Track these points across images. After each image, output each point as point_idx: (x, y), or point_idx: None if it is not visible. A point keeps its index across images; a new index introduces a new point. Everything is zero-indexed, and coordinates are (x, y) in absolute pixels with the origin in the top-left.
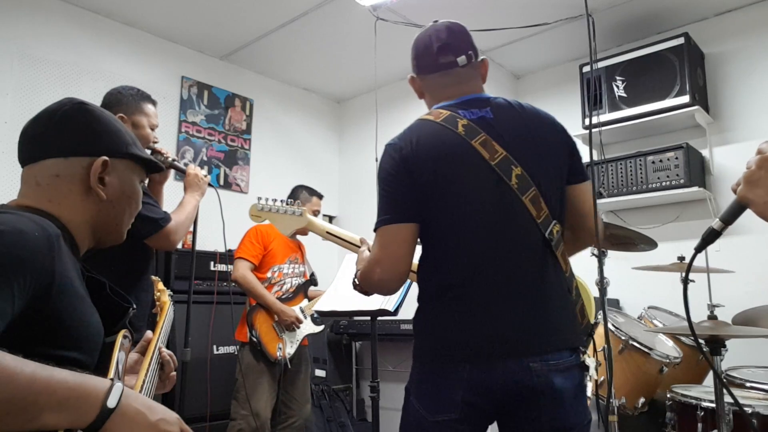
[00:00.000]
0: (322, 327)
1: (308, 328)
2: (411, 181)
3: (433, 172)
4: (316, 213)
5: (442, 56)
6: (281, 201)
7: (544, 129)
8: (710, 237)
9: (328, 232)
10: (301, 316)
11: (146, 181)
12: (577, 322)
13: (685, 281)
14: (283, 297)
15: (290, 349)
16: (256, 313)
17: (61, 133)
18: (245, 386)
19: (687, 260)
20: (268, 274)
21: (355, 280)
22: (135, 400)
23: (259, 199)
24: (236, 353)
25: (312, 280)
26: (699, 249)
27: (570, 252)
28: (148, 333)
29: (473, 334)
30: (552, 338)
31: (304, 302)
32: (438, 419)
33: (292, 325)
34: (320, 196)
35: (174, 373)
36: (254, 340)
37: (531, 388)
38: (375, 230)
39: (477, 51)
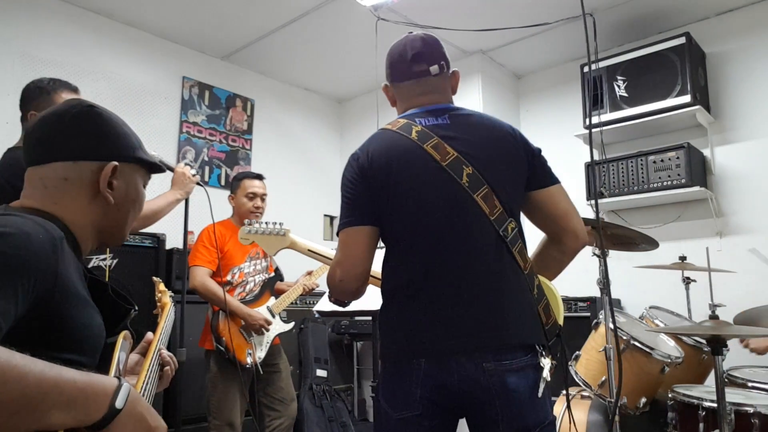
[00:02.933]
0: (292, 324)
1: (278, 327)
2: (366, 187)
3: (385, 176)
4: (251, 196)
5: (416, 65)
6: (266, 223)
7: (498, 136)
8: None
9: (309, 250)
10: (269, 317)
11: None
12: (536, 321)
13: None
14: (248, 298)
15: (261, 353)
16: (220, 320)
17: (71, 137)
18: (214, 396)
19: (688, 260)
20: (228, 277)
21: (329, 295)
22: (139, 403)
23: (246, 222)
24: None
25: (277, 275)
26: None
27: (562, 262)
28: (149, 334)
29: (427, 331)
30: (505, 335)
31: (271, 300)
32: (402, 416)
33: (260, 330)
34: (254, 176)
35: (169, 370)
36: (221, 349)
37: (485, 389)
38: (337, 234)
39: (449, 62)
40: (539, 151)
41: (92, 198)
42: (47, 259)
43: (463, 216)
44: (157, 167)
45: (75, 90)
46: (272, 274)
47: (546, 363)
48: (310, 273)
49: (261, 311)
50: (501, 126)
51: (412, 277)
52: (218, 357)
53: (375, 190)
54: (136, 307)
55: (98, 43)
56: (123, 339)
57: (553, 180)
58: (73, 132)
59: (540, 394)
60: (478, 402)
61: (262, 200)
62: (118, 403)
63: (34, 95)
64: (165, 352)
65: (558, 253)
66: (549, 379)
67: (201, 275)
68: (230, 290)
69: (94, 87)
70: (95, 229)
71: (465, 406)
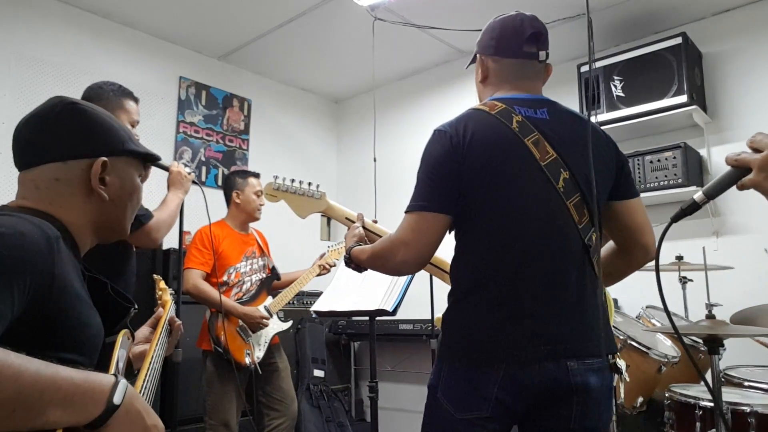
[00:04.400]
0: (290, 324)
1: (276, 326)
2: (457, 172)
3: (481, 164)
4: (259, 194)
5: (529, 45)
6: (300, 182)
7: (596, 141)
8: (689, 209)
9: (347, 218)
10: (266, 314)
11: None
12: (611, 330)
13: (657, 255)
14: (244, 298)
15: (259, 353)
16: (217, 322)
17: (57, 137)
18: (211, 396)
19: (685, 259)
20: (225, 278)
21: (348, 256)
22: (136, 400)
23: (276, 177)
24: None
25: (274, 275)
26: (675, 219)
27: (624, 273)
28: (160, 310)
29: (512, 335)
30: (588, 344)
31: (269, 300)
32: (466, 417)
33: (259, 326)
34: (256, 175)
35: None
36: (219, 350)
37: (567, 386)
38: (408, 211)
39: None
40: (627, 161)
41: (87, 196)
42: (43, 258)
43: (557, 222)
44: (151, 157)
45: (137, 100)
46: (268, 275)
47: (622, 363)
48: (322, 256)
49: (260, 310)
50: (600, 131)
51: (498, 278)
52: (215, 357)
53: (468, 176)
54: (136, 306)
55: (95, 44)
56: (122, 338)
57: (635, 192)
58: (58, 132)
59: (622, 394)
60: (553, 399)
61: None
62: (116, 400)
63: (105, 95)
64: (173, 316)
65: (624, 264)
66: (628, 379)
67: (194, 278)
68: (227, 291)
69: None
70: (94, 226)
71: (535, 406)
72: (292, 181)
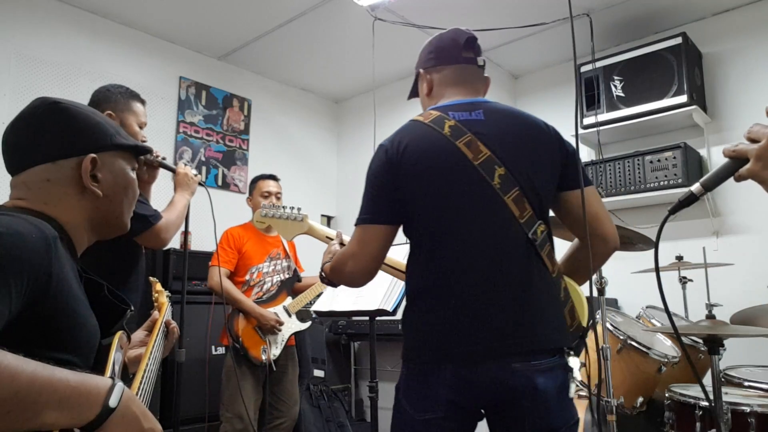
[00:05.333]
0: (309, 324)
1: (293, 326)
2: (394, 183)
3: (415, 172)
4: (266, 195)
5: (466, 51)
6: (283, 207)
7: (534, 134)
8: (687, 201)
9: (327, 237)
10: (282, 317)
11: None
12: (563, 324)
13: (657, 244)
14: (264, 298)
15: (276, 350)
16: (237, 318)
17: (42, 139)
18: (228, 390)
19: (685, 259)
20: (247, 277)
21: (322, 272)
22: (133, 403)
23: (263, 206)
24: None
25: (295, 276)
26: (673, 211)
27: (594, 266)
28: (155, 314)
29: (455, 335)
30: (534, 340)
31: (288, 300)
32: (425, 417)
33: (272, 330)
34: (268, 177)
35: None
36: (237, 346)
37: (513, 388)
38: (355, 225)
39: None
40: (574, 150)
41: (80, 194)
42: (41, 258)
43: (493, 218)
44: (141, 149)
45: (144, 102)
46: (289, 276)
47: (575, 363)
48: None
49: (277, 310)
50: (536, 123)
51: (439, 279)
52: (235, 352)
53: (403, 186)
54: (132, 308)
55: (95, 44)
56: (119, 339)
57: (586, 181)
58: (43, 133)
59: (570, 395)
60: (504, 402)
61: (277, 198)
62: (112, 402)
63: (113, 98)
64: (170, 319)
65: (586, 256)
66: (579, 378)
67: (217, 275)
68: (248, 290)
69: (90, 87)
70: (90, 224)
71: (490, 407)
72: (277, 207)
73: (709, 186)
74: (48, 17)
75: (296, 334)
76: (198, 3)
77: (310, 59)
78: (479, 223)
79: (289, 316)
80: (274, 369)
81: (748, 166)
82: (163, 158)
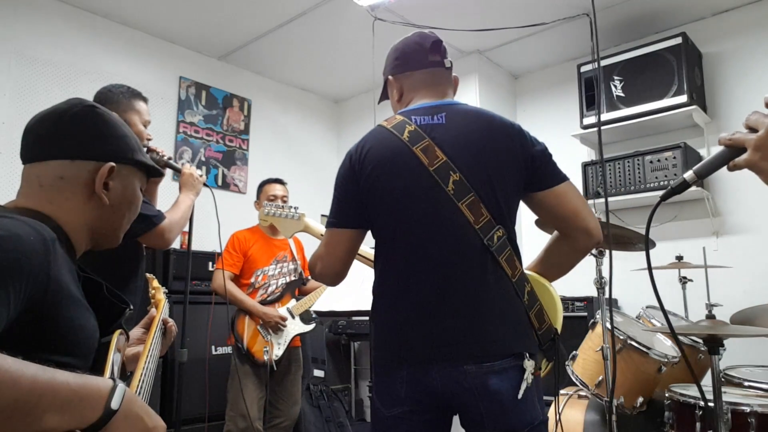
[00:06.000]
0: (312, 326)
1: (297, 328)
2: (355, 187)
3: (373, 178)
4: (272, 198)
5: (432, 54)
6: (284, 207)
7: (496, 137)
8: (679, 187)
9: (322, 234)
10: (286, 316)
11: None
12: (523, 328)
13: (647, 236)
14: (268, 299)
15: (278, 351)
16: (240, 319)
17: (70, 135)
18: (232, 389)
19: (685, 259)
20: (252, 279)
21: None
22: (135, 403)
23: (265, 205)
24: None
25: (300, 279)
26: (665, 198)
27: (572, 259)
28: (153, 311)
29: (409, 339)
30: (488, 346)
31: (292, 302)
32: (392, 413)
33: (277, 326)
34: (274, 181)
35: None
36: (239, 346)
37: (467, 390)
38: (326, 228)
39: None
40: (543, 150)
41: (87, 198)
42: (39, 261)
43: (446, 225)
44: (155, 171)
45: (146, 100)
46: (294, 279)
47: (528, 365)
48: None
49: (280, 311)
50: (500, 125)
51: (395, 283)
52: (238, 352)
53: (363, 192)
54: (131, 306)
55: (94, 43)
56: (117, 338)
57: (559, 179)
58: (72, 131)
59: (520, 396)
60: (462, 403)
61: (284, 201)
62: (114, 404)
63: (115, 98)
64: (167, 317)
65: (570, 249)
66: (530, 381)
67: (221, 278)
68: (253, 292)
69: (90, 87)
70: (90, 229)
71: (452, 407)
72: (278, 206)
73: (703, 174)
74: (48, 17)
75: (299, 335)
76: (198, 3)
77: (310, 59)
78: (432, 229)
79: (293, 317)
80: (275, 369)
81: (745, 156)
82: (169, 158)
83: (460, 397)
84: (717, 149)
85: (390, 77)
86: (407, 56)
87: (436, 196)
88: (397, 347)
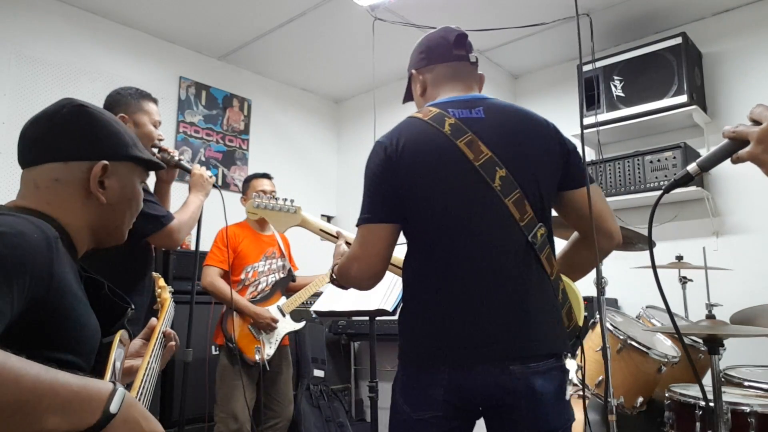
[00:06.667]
0: (302, 324)
1: (288, 326)
2: (394, 182)
3: (414, 172)
4: (262, 193)
5: (457, 48)
6: (276, 198)
7: (536, 133)
8: (682, 179)
9: (321, 230)
10: (277, 315)
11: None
12: (561, 328)
13: (649, 229)
14: (258, 297)
15: (269, 350)
16: (230, 317)
17: (61, 137)
18: (222, 389)
19: (685, 259)
20: (242, 276)
21: (333, 273)
22: (134, 408)
23: (255, 196)
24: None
25: (289, 276)
26: (667, 189)
27: (592, 262)
28: (153, 320)
29: (452, 338)
30: (533, 346)
31: (282, 300)
32: (422, 417)
33: (268, 327)
34: (262, 176)
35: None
36: (230, 345)
37: (511, 391)
38: (357, 226)
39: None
40: (574, 148)
41: (85, 198)
42: (42, 258)
43: (493, 221)
44: (153, 164)
45: (155, 101)
46: (283, 276)
47: (572, 365)
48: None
49: (271, 310)
50: (538, 121)
51: (436, 281)
52: (228, 352)
53: (402, 185)
54: (133, 306)
55: (95, 44)
56: (119, 338)
57: (590, 179)
58: (63, 132)
59: (568, 397)
60: (502, 404)
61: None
62: (113, 408)
63: (125, 100)
64: (169, 330)
65: (590, 252)
66: (575, 381)
67: (211, 275)
68: (243, 289)
69: (90, 87)
70: (91, 229)
71: (488, 408)
72: (270, 198)
73: (706, 166)
74: (48, 17)
75: (293, 333)
76: (198, 3)
77: (310, 59)
78: (478, 226)
79: (283, 315)
80: (268, 369)
81: (748, 148)
82: (180, 159)
83: (501, 399)
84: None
85: (414, 71)
86: (431, 50)
87: (483, 192)
88: (439, 347)
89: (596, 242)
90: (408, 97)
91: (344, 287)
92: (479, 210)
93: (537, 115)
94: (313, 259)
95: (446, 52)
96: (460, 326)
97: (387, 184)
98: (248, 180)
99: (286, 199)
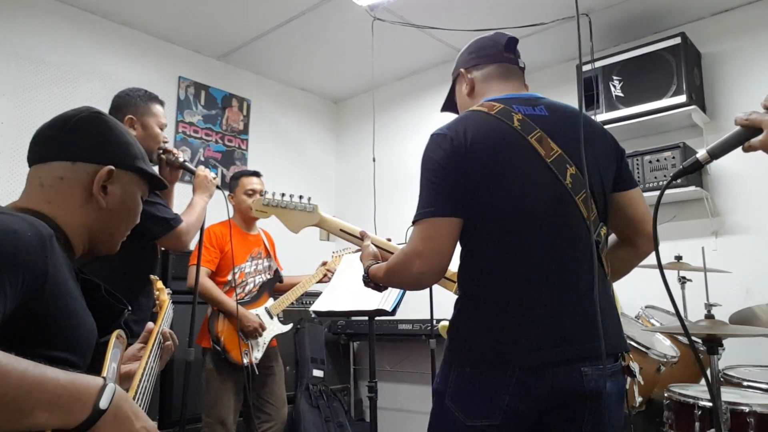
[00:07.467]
0: (290, 326)
1: (275, 328)
2: (461, 174)
3: (486, 165)
4: (250, 192)
5: (507, 52)
6: (290, 196)
7: (595, 133)
8: (691, 167)
9: (341, 230)
10: (264, 321)
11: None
12: (621, 327)
13: (655, 217)
14: (246, 299)
15: (257, 353)
16: (217, 320)
17: (73, 138)
18: (208, 394)
19: (684, 259)
20: (229, 277)
21: (366, 275)
22: (125, 403)
23: (265, 193)
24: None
25: (276, 277)
26: (676, 176)
27: (629, 265)
28: (149, 324)
29: (523, 340)
30: (601, 345)
31: (270, 302)
32: (476, 424)
33: (254, 333)
34: (251, 174)
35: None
36: (218, 349)
37: (580, 393)
38: (415, 221)
39: None
40: (624, 151)
41: (86, 200)
42: (36, 256)
43: (567, 220)
44: (158, 181)
45: (162, 103)
46: (271, 277)
47: (635, 366)
48: (325, 264)
49: (259, 312)
50: (596, 124)
51: (509, 280)
52: (214, 355)
53: (471, 179)
54: (130, 307)
55: (93, 44)
56: (116, 338)
57: (635, 182)
58: (76, 133)
59: (638, 399)
60: (565, 405)
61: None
62: (102, 404)
63: (133, 101)
64: (167, 330)
65: (629, 255)
66: (642, 382)
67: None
68: (230, 290)
69: (89, 87)
70: (88, 232)
71: (548, 413)
72: (282, 195)
73: (717, 154)
74: (48, 17)
75: (293, 333)
76: (198, 3)
77: (309, 59)
78: (554, 226)
79: (271, 317)
80: (257, 372)
81: (761, 136)
82: (184, 160)
83: (567, 399)
84: None
85: (462, 70)
86: (481, 49)
87: (557, 189)
88: (511, 349)
89: (635, 246)
90: (447, 105)
91: (380, 289)
92: (554, 207)
93: (592, 118)
94: (300, 261)
95: (496, 54)
96: (532, 328)
97: (454, 176)
98: (236, 177)
99: (301, 197)
